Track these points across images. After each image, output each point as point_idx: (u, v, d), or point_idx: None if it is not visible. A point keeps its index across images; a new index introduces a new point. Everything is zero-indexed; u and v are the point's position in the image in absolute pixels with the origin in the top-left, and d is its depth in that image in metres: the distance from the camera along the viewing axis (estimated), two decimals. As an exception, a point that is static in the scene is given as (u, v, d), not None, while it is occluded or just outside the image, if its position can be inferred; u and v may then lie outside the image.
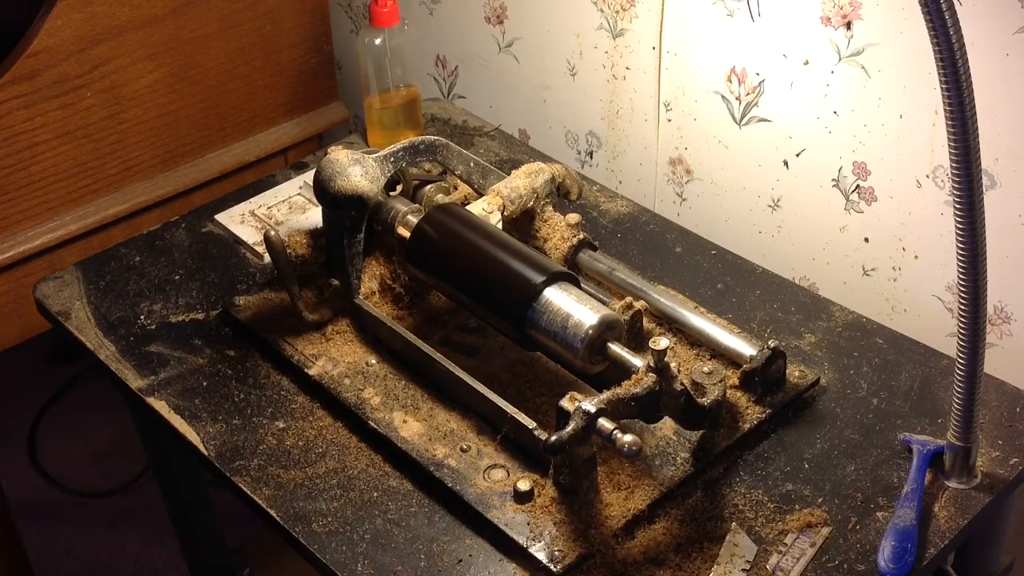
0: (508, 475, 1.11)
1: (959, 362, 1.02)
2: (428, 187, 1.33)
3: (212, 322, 1.34)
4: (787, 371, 1.19)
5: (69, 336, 1.34)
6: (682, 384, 1.07)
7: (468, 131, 1.67)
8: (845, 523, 1.07)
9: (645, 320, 1.22)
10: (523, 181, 1.29)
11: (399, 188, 1.33)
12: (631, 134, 1.62)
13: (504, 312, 1.15)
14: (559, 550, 1.03)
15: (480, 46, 1.77)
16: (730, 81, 1.45)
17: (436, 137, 1.32)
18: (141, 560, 2.08)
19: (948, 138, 0.91)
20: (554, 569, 1.02)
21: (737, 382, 1.18)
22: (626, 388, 1.04)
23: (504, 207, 1.26)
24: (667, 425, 1.13)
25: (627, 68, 1.57)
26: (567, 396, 1.04)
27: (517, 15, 1.68)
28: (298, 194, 1.53)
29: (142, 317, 1.35)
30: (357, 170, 1.24)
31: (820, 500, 1.09)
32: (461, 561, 1.05)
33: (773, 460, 1.13)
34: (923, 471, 1.09)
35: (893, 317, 1.42)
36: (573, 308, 1.10)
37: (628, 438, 0.99)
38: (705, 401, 1.10)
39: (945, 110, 0.90)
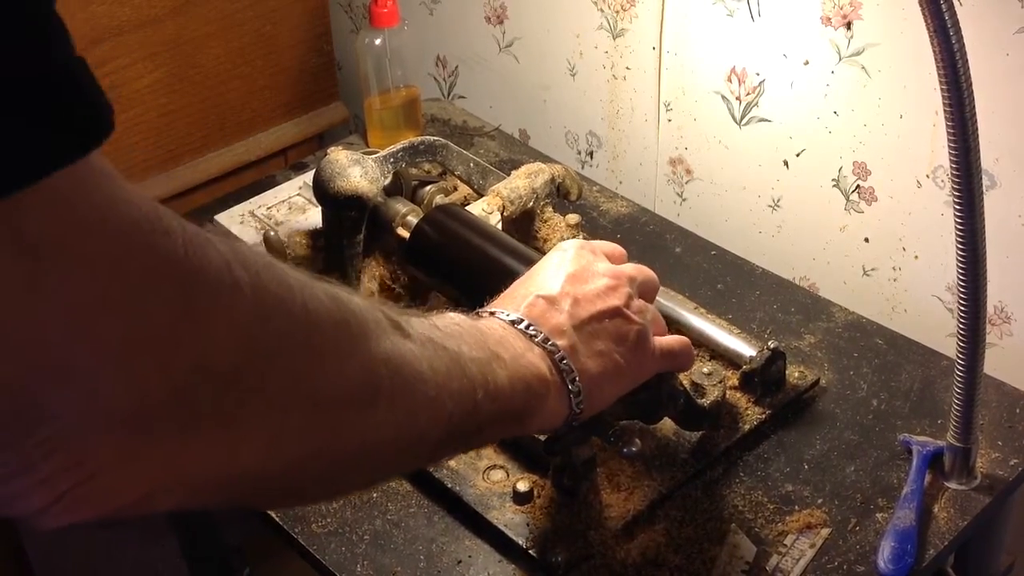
0: (507, 476, 1.11)
1: (959, 362, 1.02)
2: (428, 187, 1.33)
3: (212, 322, 1.33)
4: (787, 372, 1.19)
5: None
6: (682, 385, 1.06)
7: (468, 131, 1.67)
8: (845, 524, 1.07)
9: (645, 320, 1.22)
10: (523, 181, 1.29)
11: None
12: (631, 134, 1.62)
13: (504, 313, 1.15)
14: (559, 551, 1.03)
15: (480, 46, 1.76)
16: (730, 81, 1.45)
17: (436, 137, 1.32)
18: (141, 560, 2.08)
19: (948, 138, 0.91)
20: (554, 570, 1.02)
21: (737, 383, 1.18)
22: (626, 389, 1.04)
23: (504, 207, 1.26)
24: (667, 425, 1.13)
25: (627, 68, 1.57)
26: (567, 397, 1.04)
27: (517, 15, 1.68)
28: (298, 194, 1.53)
29: (142, 317, 1.35)
30: (357, 170, 1.23)
31: (820, 501, 1.09)
32: (460, 562, 1.05)
33: (773, 461, 1.13)
34: (923, 472, 1.09)
35: (893, 317, 1.42)
36: (573, 309, 1.10)
37: (628, 438, 0.99)
38: (705, 402, 1.10)
39: (945, 110, 0.90)
